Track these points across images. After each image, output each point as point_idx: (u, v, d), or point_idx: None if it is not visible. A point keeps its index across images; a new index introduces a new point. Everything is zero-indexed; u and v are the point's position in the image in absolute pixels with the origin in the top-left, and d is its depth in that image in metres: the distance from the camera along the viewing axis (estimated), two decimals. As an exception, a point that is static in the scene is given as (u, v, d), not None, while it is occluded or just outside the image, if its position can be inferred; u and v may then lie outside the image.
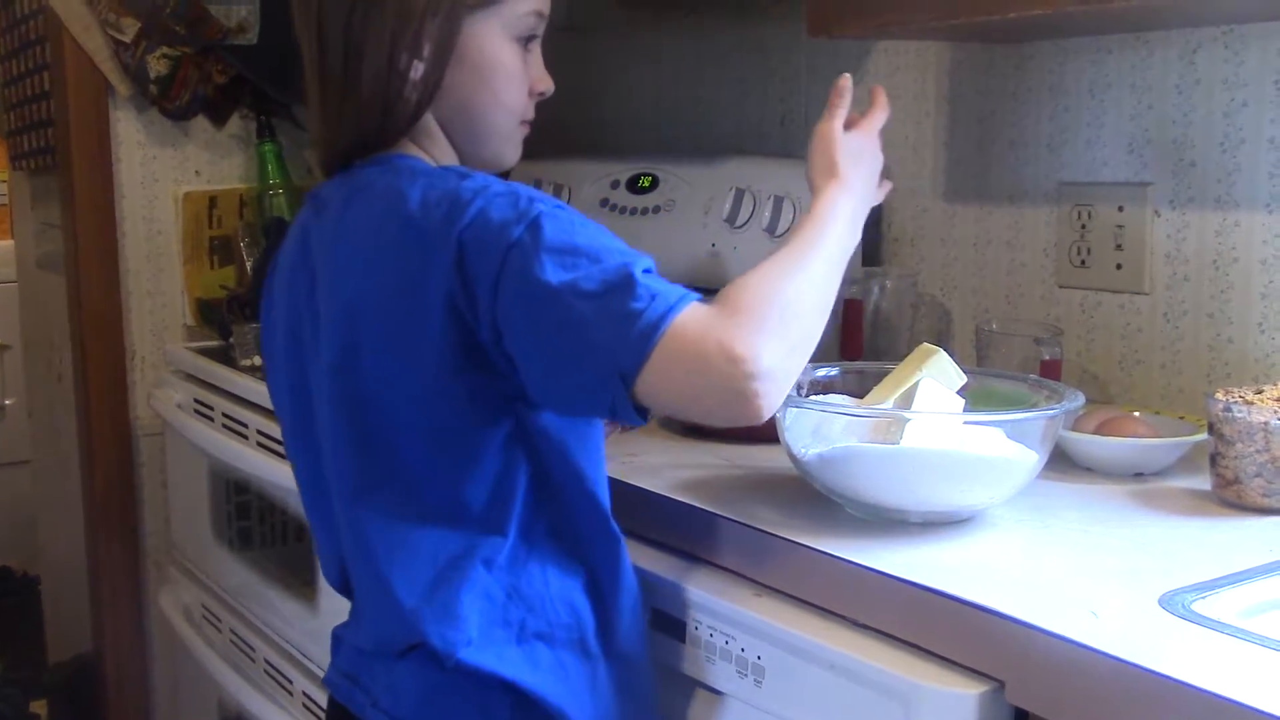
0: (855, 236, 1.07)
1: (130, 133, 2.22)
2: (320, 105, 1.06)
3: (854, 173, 1.10)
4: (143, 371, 2.27)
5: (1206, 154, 1.40)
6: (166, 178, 2.26)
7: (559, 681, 1.02)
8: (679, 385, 0.90)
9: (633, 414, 0.91)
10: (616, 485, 1.19)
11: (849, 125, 1.15)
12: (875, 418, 1.10)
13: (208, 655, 2.02)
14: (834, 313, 1.64)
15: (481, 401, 0.98)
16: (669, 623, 1.13)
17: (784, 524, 1.09)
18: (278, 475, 1.69)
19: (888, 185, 1.18)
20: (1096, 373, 1.52)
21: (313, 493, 1.13)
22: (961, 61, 1.67)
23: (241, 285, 2.23)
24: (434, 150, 1.08)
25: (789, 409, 1.12)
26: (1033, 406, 1.15)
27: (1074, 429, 1.26)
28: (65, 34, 2.14)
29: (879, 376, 1.18)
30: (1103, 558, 1.02)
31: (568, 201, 2.04)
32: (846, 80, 1.16)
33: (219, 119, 2.27)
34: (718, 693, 1.10)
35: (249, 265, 2.23)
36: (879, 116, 1.18)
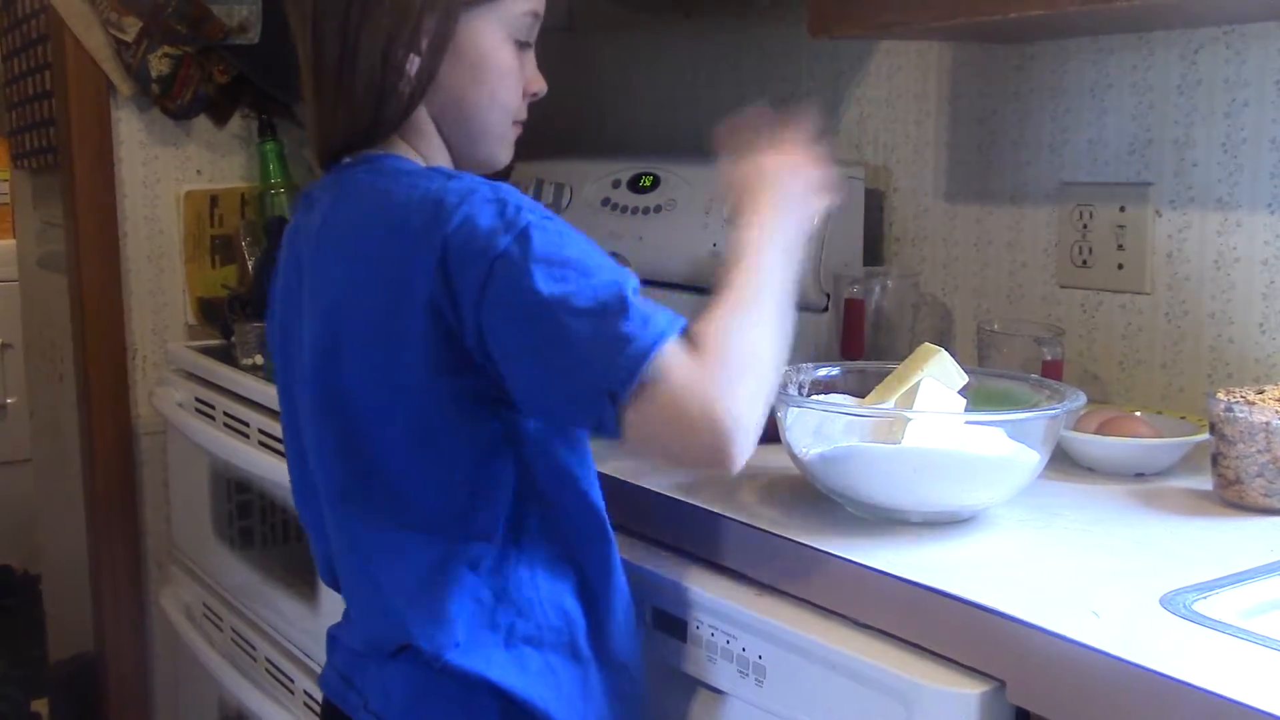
0: (794, 265, 1.04)
1: (132, 132, 2.22)
2: (315, 98, 1.05)
3: (768, 202, 1.04)
4: (144, 370, 2.27)
5: (1208, 154, 1.40)
6: (168, 177, 2.26)
7: (548, 685, 1.02)
8: (656, 431, 0.90)
9: (616, 430, 0.91)
10: (617, 485, 1.20)
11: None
12: (877, 417, 1.10)
13: (208, 654, 2.02)
14: (835, 312, 1.66)
15: (464, 404, 0.97)
16: (670, 622, 1.13)
17: (785, 523, 1.10)
18: (279, 474, 1.69)
19: (832, 195, 1.10)
20: (1098, 373, 1.52)
21: (303, 491, 1.13)
22: (963, 62, 1.67)
23: (243, 284, 2.23)
24: (426, 149, 1.07)
25: (790, 408, 1.12)
26: (1034, 406, 1.15)
27: (1075, 429, 1.26)
28: (67, 33, 2.14)
29: (880, 376, 1.18)
30: (1104, 558, 1.02)
31: (569, 201, 2.04)
32: (726, 129, 1.10)
33: (220, 118, 2.28)
34: (719, 692, 1.10)
35: (250, 264, 2.23)
36: (795, 135, 1.09)
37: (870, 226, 1.75)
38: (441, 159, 1.08)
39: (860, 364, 1.32)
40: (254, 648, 1.92)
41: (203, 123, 2.27)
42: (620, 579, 1.07)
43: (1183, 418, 1.32)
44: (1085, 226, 1.52)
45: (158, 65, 2.15)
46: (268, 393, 1.79)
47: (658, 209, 1.90)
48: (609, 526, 1.06)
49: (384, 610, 1.03)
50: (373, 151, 1.05)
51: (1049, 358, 1.43)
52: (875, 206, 1.77)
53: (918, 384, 1.11)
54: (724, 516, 1.12)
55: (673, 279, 1.88)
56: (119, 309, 2.24)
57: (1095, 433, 1.27)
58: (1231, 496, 1.14)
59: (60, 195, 2.29)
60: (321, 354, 1.01)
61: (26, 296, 2.86)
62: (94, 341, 2.23)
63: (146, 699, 2.36)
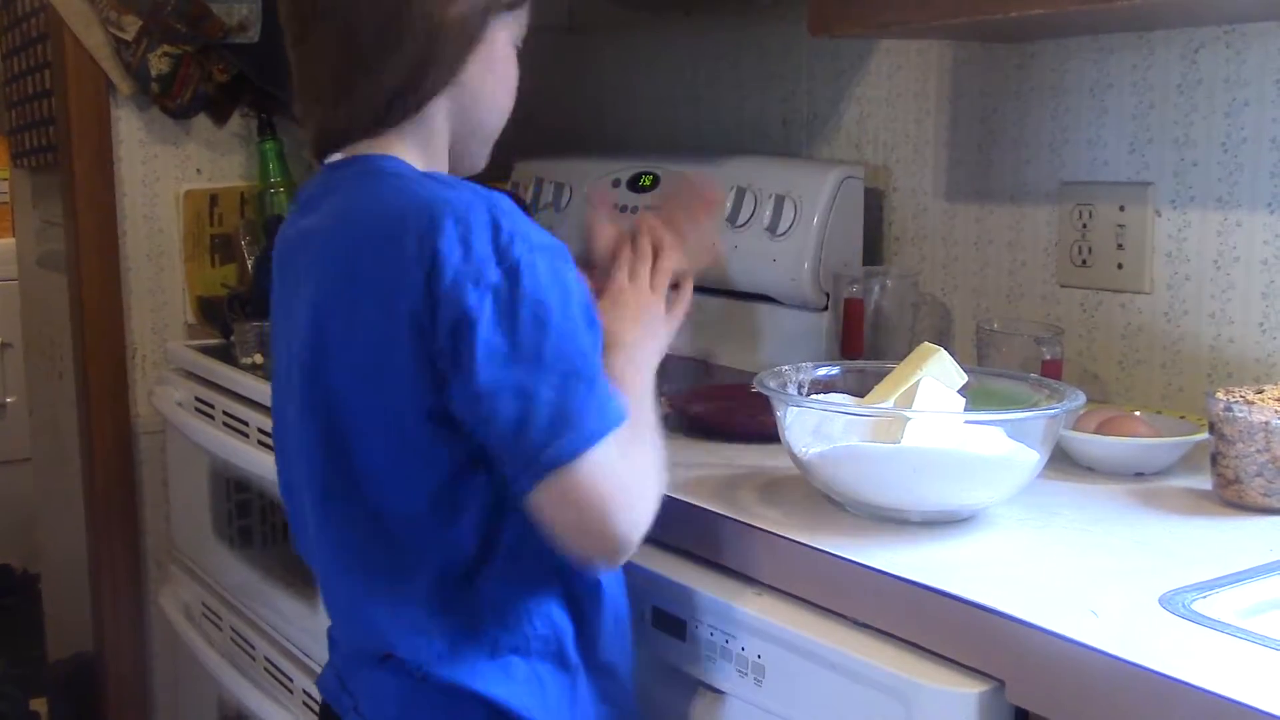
0: (650, 383, 1.06)
1: (131, 131, 2.22)
2: (313, 93, 1.04)
3: (633, 333, 1.08)
4: (143, 369, 2.27)
5: (1208, 153, 1.40)
6: (168, 176, 2.26)
7: (534, 694, 1.01)
8: (560, 518, 0.94)
9: (522, 495, 0.93)
10: (617, 484, 1.19)
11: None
12: (876, 417, 1.10)
13: (208, 653, 2.02)
14: (835, 312, 1.66)
15: (441, 416, 0.96)
16: (670, 622, 1.13)
17: (785, 523, 1.09)
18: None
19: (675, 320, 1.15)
20: (1097, 372, 1.52)
21: (289, 490, 1.13)
22: (963, 61, 1.67)
23: (242, 283, 2.23)
24: (427, 148, 1.07)
25: (789, 408, 1.12)
26: (1033, 406, 1.15)
27: (1075, 428, 1.26)
28: (66, 32, 2.14)
29: (880, 376, 1.18)
30: (1103, 557, 1.02)
31: (569, 200, 2.04)
32: (604, 199, 1.16)
33: (220, 117, 2.28)
34: (719, 692, 1.10)
35: (250, 263, 2.23)
36: (635, 275, 1.14)
37: (870, 226, 1.75)
38: (439, 160, 1.08)
39: (859, 363, 1.32)
40: (253, 647, 1.92)
41: (202, 121, 2.27)
42: (609, 584, 1.06)
43: (1182, 417, 1.32)
44: (1085, 226, 1.52)
45: (157, 64, 2.15)
46: (267, 392, 1.79)
47: (658, 208, 1.90)
48: None
49: (367, 617, 1.03)
50: (368, 151, 1.05)
51: (1048, 357, 1.43)
52: (875, 206, 1.77)
53: (917, 383, 1.11)
54: (723, 516, 1.12)
55: (673, 278, 1.88)
56: (118, 308, 2.24)
57: (1095, 432, 1.27)
58: (1231, 496, 1.14)
59: (60, 194, 2.29)
60: (311, 355, 1.01)
61: (26, 295, 2.86)
62: (93, 340, 2.23)
63: (146, 698, 2.35)
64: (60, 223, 2.32)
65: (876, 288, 1.63)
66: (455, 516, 0.99)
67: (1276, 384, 1.18)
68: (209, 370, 2.04)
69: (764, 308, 1.79)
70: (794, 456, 1.13)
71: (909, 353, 1.17)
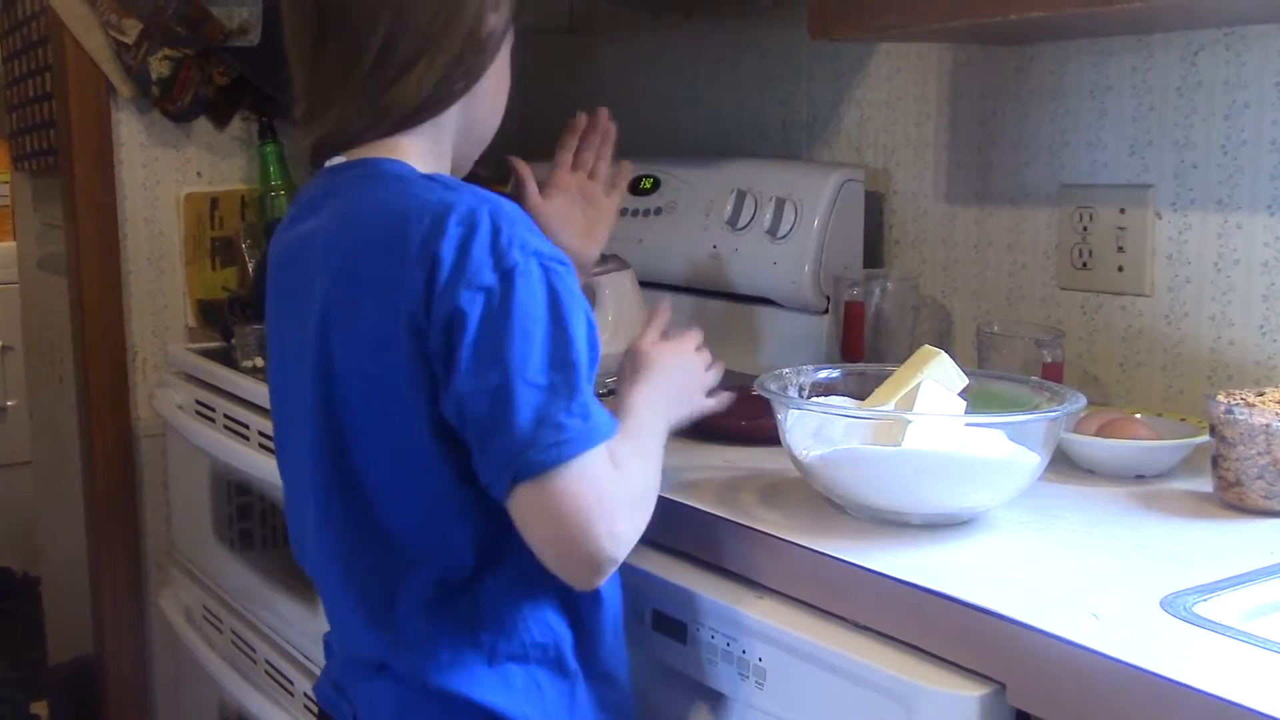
0: (663, 442, 1.07)
1: (132, 134, 2.22)
2: (353, 85, 1.02)
3: (657, 374, 1.10)
4: (144, 372, 2.27)
5: (1208, 156, 1.40)
6: (168, 179, 2.26)
7: (533, 702, 1.01)
8: (536, 528, 0.93)
9: (502, 500, 0.93)
10: (618, 487, 1.19)
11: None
12: (877, 419, 1.10)
13: (208, 656, 2.02)
14: (835, 315, 1.66)
15: (441, 424, 0.96)
16: (670, 625, 1.13)
17: (785, 526, 1.09)
18: (279, 476, 1.69)
19: (713, 400, 1.19)
20: (1098, 375, 1.52)
21: (292, 495, 1.13)
22: (963, 64, 1.67)
23: (243, 286, 2.23)
24: (432, 151, 1.07)
25: (790, 411, 1.12)
26: (1034, 408, 1.15)
27: (1075, 431, 1.26)
28: (67, 35, 2.14)
29: (880, 378, 1.18)
30: (1104, 560, 1.02)
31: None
32: (665, 305, 1.20)
33: (220, 120, 2.28)
34: (719, 695, 1.10)
35: (251, 266, 2.23)
36: (688, 337, 1.18)
37: (870, 229, 1.75)
38: (444, 163, 1.08)
39: (860, 366, 1.32)
40: (254, 650, 1.92)
41: (203, 125, 2.27)
42: (608, 589, 1.06)
43: (1183, 420, 1.32)
44: (1085, 228, 1.52)
45: (158, 67, 2.15)
46: (268, 395, 1.79)
47: (658, 211, 1.90)
48: None
49: (364, 624, 1.03)
50: (373, 154, 1.04)
51: (1049, 360, 1.43)
52: (875, 209, 1.77)
53: (918, 386, 1.11)
54: (724, 519, 1.12)
55: (673, 281, 1.89)
56: (119, 311, 2.24)
57: (1095, 435, 1.27)
58: (1231, 498, 1.14)
59: (60, 197, 2.29)
60: (317, 356, 1.01)
61: (26, 298, 2.86)
62: (94, 343, 2.23)
63: (146, 701, 2.35)
64: (61, 226, 2.32)
65: (877, 290, 1.63)
66: (455, 524, 0.99)
67: (1277, 386, 1.18)
68: (209, 373, 2.04)
69: (764, 310, 1.79)
70: (795, 459, 1.13)
71: (909, 355, 1.17)
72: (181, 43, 2.15)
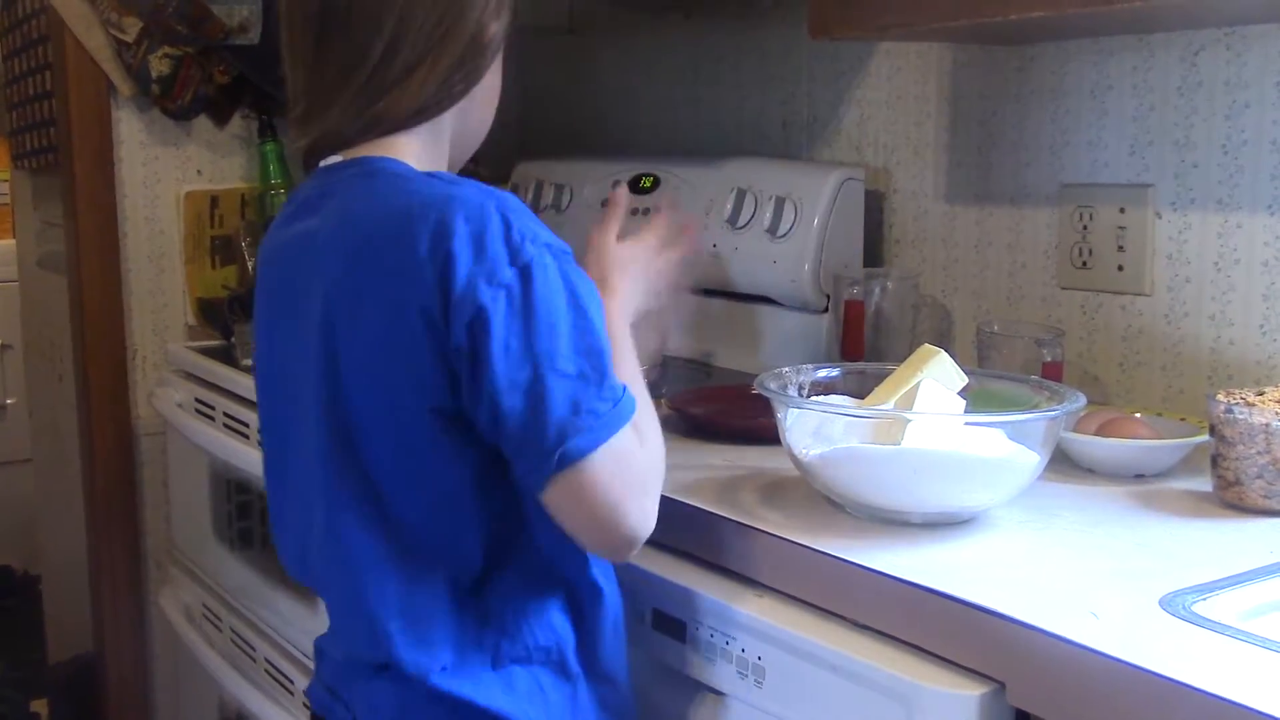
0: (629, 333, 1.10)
1: (132, 132, 2.22)
2: (356, 85, 1.02)
3: (622, 282, 1.14)
4: (144, 371, 2.27)
5: (1208, 156, 1.40)
6: (168, 177, 2.26)
7: (536, 704, 1.01)
8: (573, 514, 0.95)
9: (539, 488, 0.94)
10: (618, 486, 1.19)
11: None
12: (876, 419, 1.10)
13: (208, 655, 2.02)
14: (835, 314, 1.66)
15: (450, 423, 0.96)
16: (670, 623, 1.13)
17: (785, 525, 1.10)
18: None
19: (679, 302, 1.24)
20: (1098, 374, 1.52)
21: (276, 492, 1.12)
22: (963, 63, 1.67)
23: (243, 285, 2.22)
24: (434, 148, 1.07)
25: (790, 409, 1.12)
26: (1034, 408, 1.15)
27: (1075, 430, 1.26)
28: (67, 33, 2.14)
29: (880, 377, 1.18)
30: (1104, 559, 1.02)
31: (569, 202, 2.04)
32: (621, 192, 1.21)
33: (221, 119, 2.28)
34: (719, 693, 1.10)
35: (250, 265, 2.23)
36: (647, 232, 1.22)
37: (870, 228, 1.75)
38: (440, 162, 1.08)
39: (860, 365, 1.32)
40: (253, 649, 1.92)
41: (203, 123, 2.27)
42: (609, 591, 1.06)
43: (1182, 419, 1.32)
44: (1085, 228, 1.52)
45: (158, 65, 2.15)
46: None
47: (659, 210, 1.90)
48: None
49: (367, 626, 1.02)
50: (371, 153, 1.04)
51: (1049, 359, 1.43)
52: (875, 208, 1.77)
53: (917, 385, 1.11)
54: (724, 518, 1.12)
55: (673, 281, 1.88)
56: (119, 309, 2.24)
57: (1095, 434, 1.27)
58: (1231, 498, 1.14)
59: (60, 195, 2.29)
60: (323, 356, 1.00)
61: (26, 297, 2.86)
62: (94, 342, 2.23)
63: (146, 700, 2.35)
64: (61, 224, 2.32)
65: (877, 290, 1.63)
66: (465, 525, 0.99)
67: (1277, 386, 1.18)
68: (209, 372, 2.04)
69: (764, 309, 1.79)
70: (794, 458, 1.13)
71: (909, 354, 1.17)
72: (182, 41, 2.15)
